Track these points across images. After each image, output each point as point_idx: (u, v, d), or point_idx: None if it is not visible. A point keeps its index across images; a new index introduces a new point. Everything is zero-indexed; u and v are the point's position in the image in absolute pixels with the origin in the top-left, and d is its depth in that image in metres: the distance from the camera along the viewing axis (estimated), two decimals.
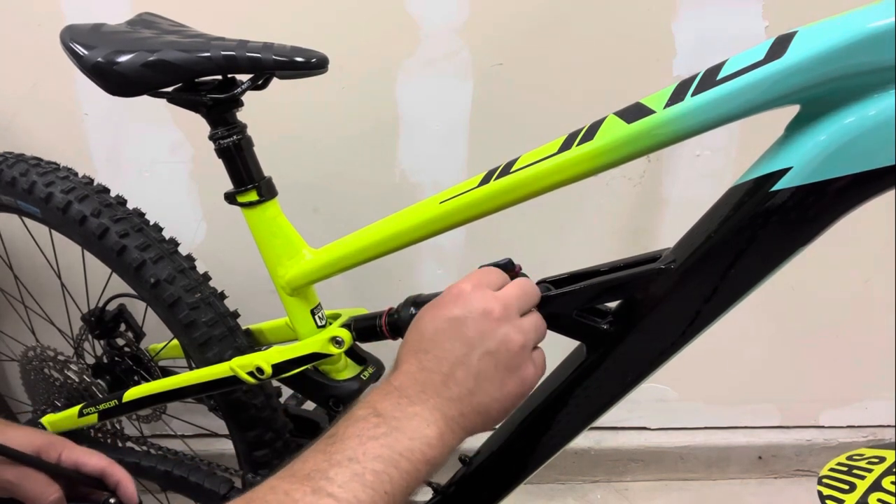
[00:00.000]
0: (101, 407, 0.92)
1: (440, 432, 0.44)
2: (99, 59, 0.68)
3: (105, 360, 1.00)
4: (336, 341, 0.75)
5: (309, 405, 0.95)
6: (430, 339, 0.47)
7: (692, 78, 0.49)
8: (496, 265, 0.61)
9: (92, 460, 0.61)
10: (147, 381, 0.96)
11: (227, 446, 0.95)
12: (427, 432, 0.43)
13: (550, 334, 0.60)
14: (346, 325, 0.76)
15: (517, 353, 0.47)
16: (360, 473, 0.39)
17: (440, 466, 0.44)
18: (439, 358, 0.46)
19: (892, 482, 0.52)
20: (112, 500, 0.61)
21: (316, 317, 0.81)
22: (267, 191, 0.77)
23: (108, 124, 1.14)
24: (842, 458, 0.57)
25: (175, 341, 0.94)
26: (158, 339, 0.99)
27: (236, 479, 0.94)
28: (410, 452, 0.42)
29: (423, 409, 0.44)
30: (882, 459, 0.55)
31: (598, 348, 0.60)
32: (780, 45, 0.44)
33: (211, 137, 0.75)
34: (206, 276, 0.89)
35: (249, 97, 0.73)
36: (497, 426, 0.48)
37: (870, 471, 0.54)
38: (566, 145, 0.54)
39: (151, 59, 0.67)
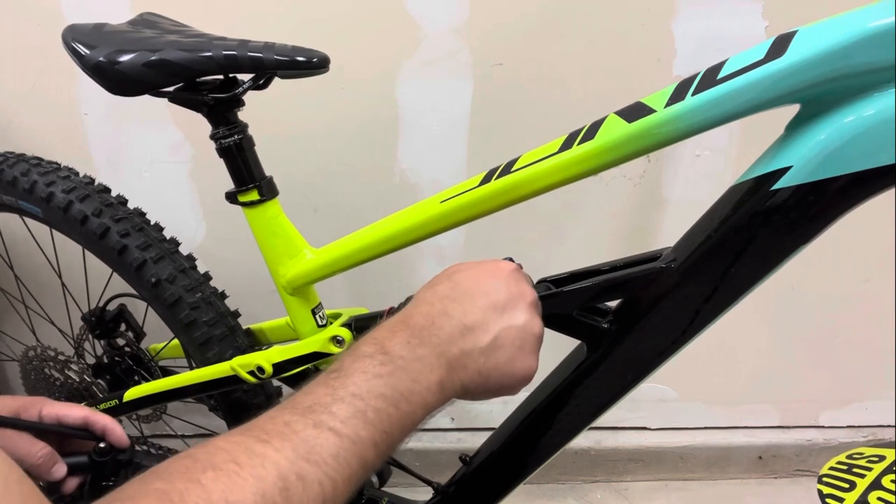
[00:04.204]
0: (102, 407, 0.92)
1: (441, 380, 0.44)
2: (100, 59, 0.68)
3: (105, 360, 1.00)
4: (337, 340, 0.75)
5: None
6: (463, 292, 0.48)
7: (692, 77, 0.49)
8: None
9: (73, 411, 0.60)
10: (147, 380, 0.96)
11: None
12: (430, 377, 0.43)
13: (550, 334, 0.61)
14: (346, 325, 0.76)
15: (534, 340, 0.49)
16: (362, 410, 0.39)
17: (434, 414, 0.44)
18: (466, 310, 0.46)
19: (891, 480, 0.52)
20: (102, 445, 0.60)
21: (317, 316, 0.81)
22: (268, 190, 0.77)
23: (109, 124, 1.14)
24: (842, 457, 0.57)
25: (175, 341, 0.94)
26: (159, 338, 0.99)
27: None
28: (411, 394, 0.42)
29: (430, 354, 0.44)
30: (882, 458, 0.55)
31: (599, 347, 0.60)
32: (780, 45, 0.44)
33: (212, 137, 0.75)
34: (207, 276, 0.89)
35: (250, 97, 0.73)
36: (489, 399, 0.48)
37: (870, 469, 0.54)
38: (567, 145, 0.54)
39: (153, 58, 0.67)
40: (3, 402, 0.60)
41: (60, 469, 0.59)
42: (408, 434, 0.42)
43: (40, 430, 0.59)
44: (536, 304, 0.51)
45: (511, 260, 0.61)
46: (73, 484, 0.61)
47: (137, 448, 0.99)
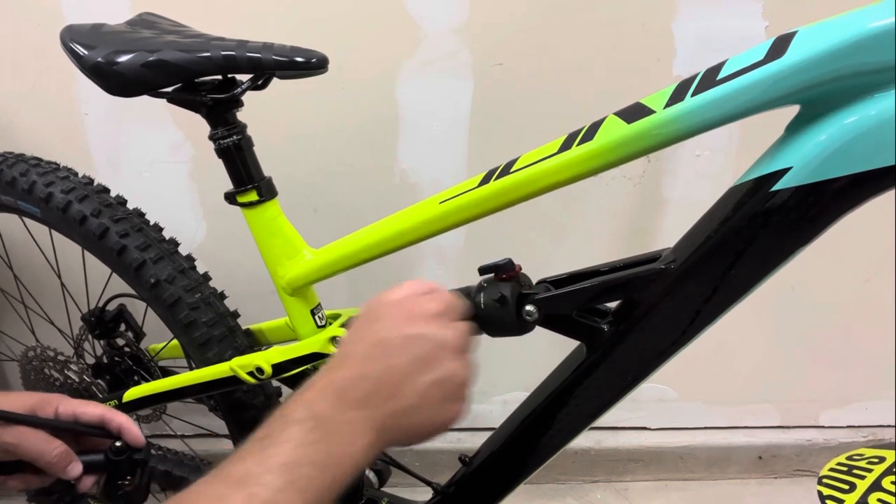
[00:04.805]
0: None
1: (370, 442, 0.44)
2: (99, 60, 0.68)
3: (105, 360, 1.00)
4: (336, 341, 0.75)
5: None
6: (384, 349, 0.47)
7: (692, 78, 0.49)
8: (496, 265, 0.61)
9: (89, 409, 0.60)
10: (147, 381, 0.96)
11: (227, 446, 0.95)
12: (360, 441, 0.44)
13: (550, 334, 0.61)
14: (346, 325, 0.76)
15: (460, 387, 0.48)
16: (294, 480, 0.40)
17: (363, 471, 0.44)
18: (390, 371, 0.46)
19: (891, 482, 0.52)
20: (118, 444, 0.60)
21: (316, 317, 0.81)
22: (267, 191, 0.77)
23: (108, 124, 1.14)
24: (842, 458, 0.57)
25: (175, 341, 0.94)
26: (158, 339, 0.99)
27: None
28: (342, 458, 0.42)
29: (360, 417, 0.44)
30: (882, 459, 0.55)
31: (598, 348, 0.60)
32: (780, 45, 0.44)
33: (211, 137, 0.75)
34: (206, 276, 0.89)
35: (249, 97, 0.73)
36: (418, 443, 0.48)
37: (870, 471, 0.54)
38: (566, 145, 0.54)
39: (151, 59, 0.67)
40: (21, 399, 0.60)
41: (76, 468, 0.59)
42: (338, 495, 0.42)
43: (56, 427, 0.59)
44: (461, 345, 0.48)
45: (510, 260, 0.61)
46: (87, 483, 0.60)
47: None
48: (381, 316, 0.49)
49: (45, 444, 0.57)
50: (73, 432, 0.60)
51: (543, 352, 0.80)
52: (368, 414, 0.44)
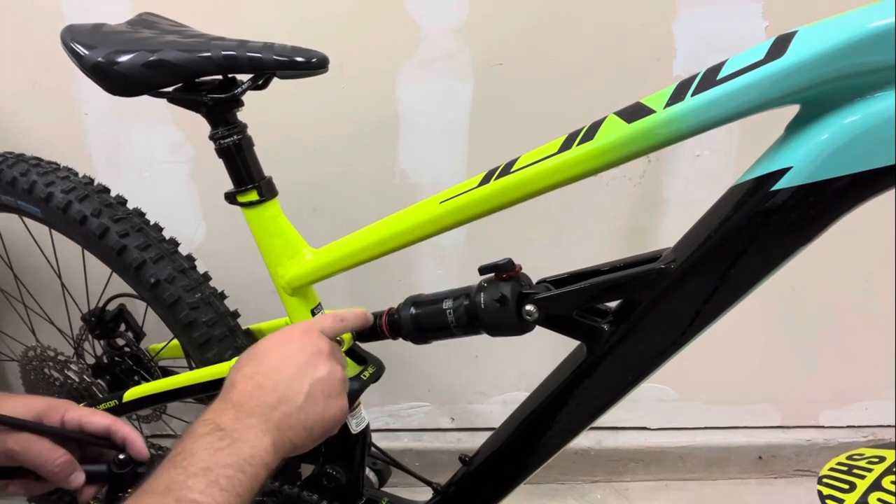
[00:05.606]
0: (101, 407, 0.92)
1: (273, 441, 0.50)
2: (99, 59, 0.68)
3: (105, 360, 1.00)
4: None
5: None
6: (268, 366, 0.55)
7: (692, 78, 0.49)
8: (496, 265, 0.62)
9: (95, 419, 0.60)
10: (147, 381, 0.96)
11: None
12: (264, 440, 0.49)
13: (550, 334, 0.61)
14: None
15: (339, 383, 0.56)
16: (214, 480, 0.44)
17: (275, 471, 0.50)
18: (275, 381, 0.53)
19: (891, 482, 0.52)
20: (121, 457, 0.60)
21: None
22: (267, 191, 0.77)
23: (108, 124, 1.14)
24: (842, 458, 0.57)
25: (175, 341, 0.94)
26: (158, 339, 0.99)
27: None
28: (252, 458, 0.47)
29: (258, 421, 0.50)
30: (882, 459, 0.55)
31: (599, 348, 0.60)
32: (780, 45, 0.44)
33: (211, 137, 0.75)
34: (206, 276, 0.89)
35: (250, 97, 0.73)
36: (315, 445, 0.55)
37: (870, 470, 0.54)
38: (566, 145, 0.54)
39: (152, 58, 0.67)
40: (29, 403, 0.60)
41: (79, 477, 0.59)
42: (255, 493, 0.47)
43: (59, 435, 0.58)
44: (333, 352, 0.58)
45: (510, 260, 0.61)
46: (90, 493, 0.60)
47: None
48: (262, 345, 0.57)
49: (49, 453, 0.57)
50: (77, 441, 0.60)
51: (543, 352, 0.80)
52: (266, 417, 0.51)
